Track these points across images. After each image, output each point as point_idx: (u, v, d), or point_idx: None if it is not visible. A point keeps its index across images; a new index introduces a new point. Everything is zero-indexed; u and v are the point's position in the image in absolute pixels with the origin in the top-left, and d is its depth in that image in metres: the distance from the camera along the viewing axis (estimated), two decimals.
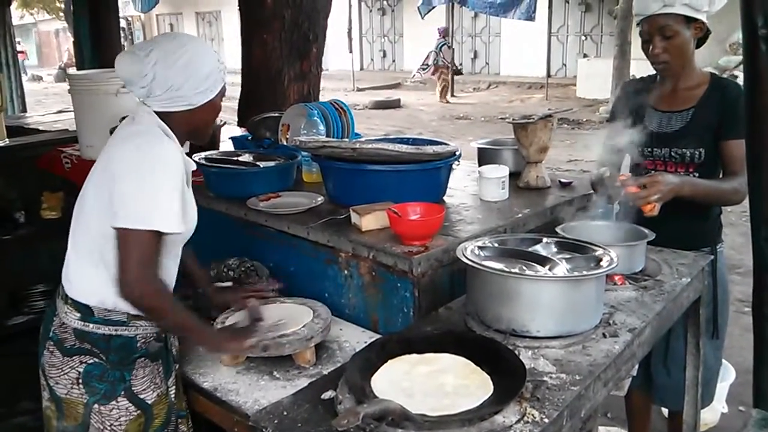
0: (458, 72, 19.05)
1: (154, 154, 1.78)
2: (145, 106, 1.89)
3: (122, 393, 1.87)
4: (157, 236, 1.75)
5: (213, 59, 1.90)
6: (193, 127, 1.94)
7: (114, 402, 1.86)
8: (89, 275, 1.86)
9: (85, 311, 1.85)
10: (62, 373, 1.87)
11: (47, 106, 15.66)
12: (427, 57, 17.55)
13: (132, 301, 1.77)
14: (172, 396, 1.98)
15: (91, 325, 1.85)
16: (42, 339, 1.93)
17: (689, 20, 2.33)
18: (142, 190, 1.73)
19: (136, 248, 1.73)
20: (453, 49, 18.14)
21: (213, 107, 1.94)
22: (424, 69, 17.73)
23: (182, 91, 1.85)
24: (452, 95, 18.06)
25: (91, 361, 1.85)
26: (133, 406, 1.88)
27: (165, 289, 1.86)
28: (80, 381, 1.85)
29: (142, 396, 1.90)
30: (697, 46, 2.45)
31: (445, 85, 17.60)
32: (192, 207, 1.95)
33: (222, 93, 1.96)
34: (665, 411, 2.99)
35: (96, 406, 1.86)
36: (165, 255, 1.89)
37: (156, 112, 1.88)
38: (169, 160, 1.79)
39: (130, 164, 1.76)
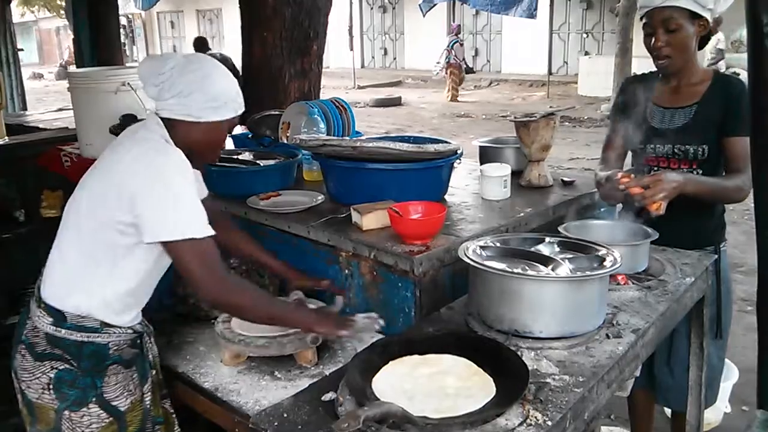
0: (470, 71, 18.74)
1: (166, 164, 1.78)
2: (155, 117, 1.90)
3: (93, 400, 1.85)
4: (203, 241, 1.76)
5: (230, 85, 1.92)
6: (194, 144, 1.90)
7: (85, 409, 1.84)
8: (71, 279, 1.84)
9: (58, 316, 1.83)
10: (33, 377, 1.85)
11: (48, 104, 15.63)
12: (441, 54, 17.21)
13: (216, 306, 1.85)
14: (148, 403, 1.96)
15: (63, 331, 1.83)
16: (15, 342, 1.92)
17: (694, 16, 2.31)
18: (165, 202, 1.74)
19: (191, 257, 1.75)
20: (464, 47, 17.75)
21: (217, 131, 1.93)
22: (438, 65, 17.37)
23: (190, 100, 1.85)
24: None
25: (62, 366, 1.83)
26: (104, 413, 1.86)
27: (240, 283, 1.90)
28: (51, 386, 1.83)
29: (114, 403, 1.88)
30: (700, 47, 2.43)
31: (455, 83, 17.04)
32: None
33: (231, 124, 1.96)
34: (668, 411, 2.97)
35: (67, 412, 1.84)
36: (166, 260, 1.88)
37: (163, 121, 1.88)
38: (180, 167, 1.80)
39: (145, 179, 1.75)
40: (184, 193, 1.76)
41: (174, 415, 2.07)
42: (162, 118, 1.89)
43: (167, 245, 1.75)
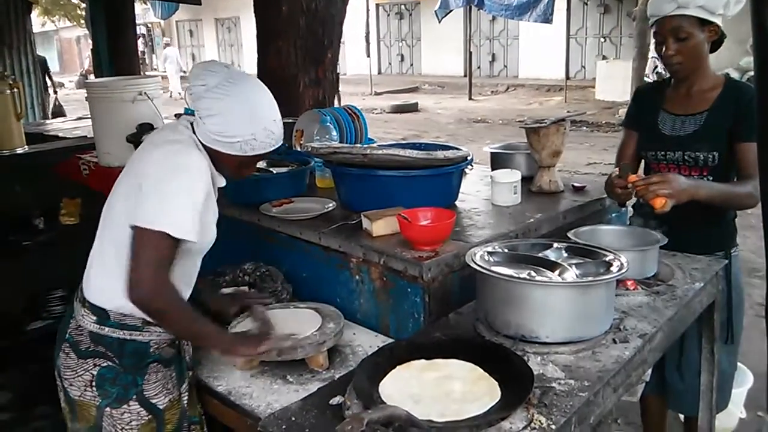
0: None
1: (181, 161, 1.81)
2: (185, 120, 1.93)
3: (134, 397, 1.89)
4: (171, 240, 1.75)
5: (252, 128, 1.87)
6: (212, 156, 1.91)
7: (126, 406, 1.88)
8: (111, 280, 1.86)
9: (102, 315, 1.88)
10: (76, 375, 1.89)
11: (69, 112, 15.79)
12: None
13: (139, 303, 1.77)
14: (185, 402, 2.00)
15: (106, 329, 1.87)
16: (58, 341, 1.96)
17: (703, 23, 2.32)
18: (160, 193, 1.76)
19: (148, 249, 1.74)
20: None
21: (228, 158, 1.92)
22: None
23: (205, 123, 1.86)
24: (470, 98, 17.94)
25: (105, 364, 1.87)
26: (144, 410, 1.90)
27: (175, 293, 1.83)
28: (93, 384, 1.88)
29: (153, 401, 1.92)
30: (713, 50, 2.43)
31: None
32: (212, 221, 1.96)
33: (249, 159, 1.94)
34: (682, 416, 2.96)
35: (108, 409, 1.88)
36: (183, 264, 1.90)
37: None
38: (194, 170, 1.81)
39: (156, 168, 1.80)
40: (184, 191, 1.77)
41: (204, 417, 2.10)
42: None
43: (136, 230, 1.75)
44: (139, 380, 1.90)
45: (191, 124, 1.94)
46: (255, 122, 1.87)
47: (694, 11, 2.29)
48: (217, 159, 1.92)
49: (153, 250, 1.75)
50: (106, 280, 1.89)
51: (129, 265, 1.77)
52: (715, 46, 2.43)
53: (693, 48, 2.35)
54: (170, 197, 1.76)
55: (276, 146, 1.96)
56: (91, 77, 12.19)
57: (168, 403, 1.94)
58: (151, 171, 1.80)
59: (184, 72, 20.37)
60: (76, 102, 19.20)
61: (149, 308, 1.80)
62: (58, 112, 11.79)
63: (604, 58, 18.44)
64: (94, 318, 1.88)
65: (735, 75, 11.98)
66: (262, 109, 1.90)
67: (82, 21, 19.36)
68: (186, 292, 1.99)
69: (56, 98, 13.15)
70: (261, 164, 3.06)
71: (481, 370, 1.58)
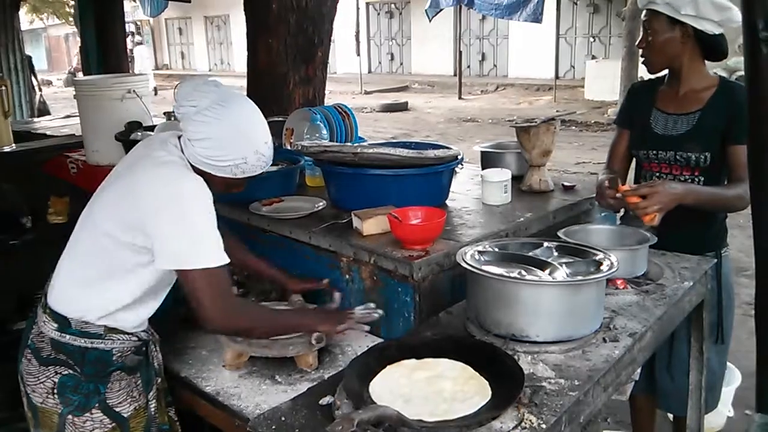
0: None
1: (187, 188, 1.77)
2: (175, 138, 1.90)
3: (96, 405, 1.87)
4: (215, 269, 1.75)
5: (243, 150, 1.84)
6: (206, 178, 1.87)
7: (88, 414, 1.87)
8: (76, 288, 1.86)
9: (63, 322, 1.85)
10: (38, 381, 1.87)
11: (56, 110, 15.62)
12: None
13: (222, 333, 1.89)
14: (152, 410, 1.98)
15: (67, 337, 1.85)
16: (21, 346, 1.94)
17: (673, 21, 2.34)
18: (183, 229, 1.74)
19: (202, 286, 1.75)
20: None
21: (217, 179, 1.89)
22: None
23: (194, 145, 1.83)
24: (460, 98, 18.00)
25: (66, 372, 1.85)
26: (107, 418, 1.88)
27: (243, 308, 1.92)
28: (55, 391, 1.86)
29: (117, 409, 1.90)
30: (708, 57, 2.43)
31: None
32: None
33: (237, 181, 1.92)
34: (671, 415, 2.97)
35: (70, 416, 1.86)
36: (169, 278, 1.90)
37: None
38: (199, 193, 1.79)
39: (163, 202, 1.75)
40: (200, 220, 1.76)
41: (178, 423, 2.09)
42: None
43: (181, 273, 1.77)
44: (102, 388, 1.87)
45: (179, 140, 1.90)
46: (247, 146, 1.85)
47: (662, 8, 2.34)
48: (205, 177, 1.87)
49: (206, 285, 1.75)
50: (71, 287, 1.87)
51: (195, 307, 1.77)
52: (715, 54, 2.43)
53: (660, 44, 2.39)
54: (192, 230, 1.74)
55: (266, 167, 1.95)
56: (80, 75, 12.14)
57: (133, 411, 1.92)
58: (155, 205, 1.75)
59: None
60: (64, 100, 19.09)
61: (233, 333, 1.90)
62: (43, 109, 11.75)
63: (593, 57, 18.50)
64: (55, 325, 1.86)
65: (723, 74, 12.01)
66: (255, 132, 1.87)
67: (71, 18, 19.25)
68: (158, 298, 1.97)
69: (41, 95, 13.09)
70: None
71: (472, 370, 1.58)
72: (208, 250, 1.75)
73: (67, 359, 1.85)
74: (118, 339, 1.89)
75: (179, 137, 1.90)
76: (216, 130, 1.81)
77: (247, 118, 1.87)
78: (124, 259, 1.82)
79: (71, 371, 1.85)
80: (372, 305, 2.07)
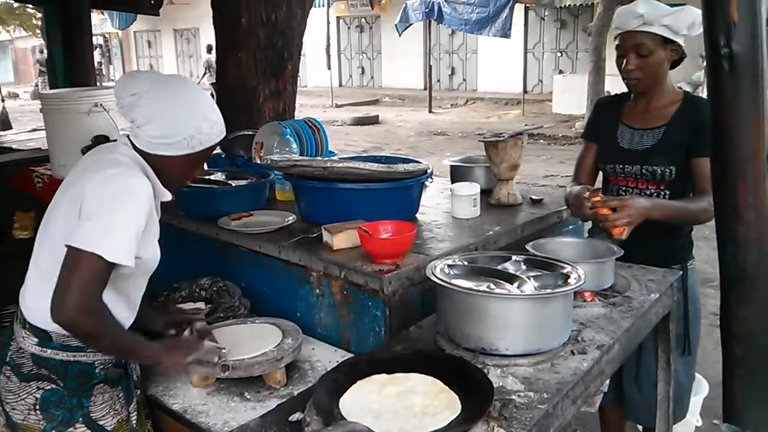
0: None
1: (121, 187, 1.75)
2: (125, 138, 1.89)
3: (80, 419, 1.84)
4: (104, 263, 1.68)
5: (194, 120, 1.85)
6: (157, 172, 1.88)
7: (72, 429, 1.84)
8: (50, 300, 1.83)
9: (43, 336, 1.83)
10: (19, 398, 1.84)
11: (23, 123, 15.46)
12: None
13: (64, 324, 1.70)
14: (134, 422, 1.95)
15: (49, 351, 1.82)
16: None
17: (666, 41, 2.36)
18: (99, 217, 1.70)
19: (80, 271, 1.67)
20: None
21: (176, 164, 1.88)
22: None
23: (142, 131, 1.83)
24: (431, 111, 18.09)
25: (49, 387, 1.83)
26: None
27: (102, 316, 1.74)
28: (37, 407, 1.82)
29: (101, 422, 1.87)
30: (672, 67, 2.47)
31: None
32: (154, 242, 1.90)
33: (199, 157, 1.91)
34: (640, 426, 3.00)
35: None
36: (125, 285, 1.87)
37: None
38: (134, 195, 1.76)
39: (97, 191, 1.74)
40: (122, 216, 1.72)
41: None
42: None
43: (69, 250, 1.69)
44: (85, 402, 1.85)
45: (129, 138, 1.89)
46: (195, 115, 1.86)
47: (658, 29, 2.33)
48: (163, 167, 1.87)
49: (84, 272, 1.67)
50: (43, 300, 1.82)
51: (57, 285, 1.68)
52: (675, 63, 2.47)
53: (653, 65, 2.39)
54: (110, 221, 1.70)
55: (222, 136, 1.94)
56: (46, 88, 11.98)
57: (116, 424, 1.90)
58: (91, 198, 1.73)
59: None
60: (31, 113, 18.84)
61: (75, 330, 1.73)
62: (6, 120, 11.59)
63: (560, 72, 18.72)
64: (36, 340, 1.83)
65: (687, 89, 12.25)
66: (198, 103, 1.89)
67: (38, 31, 19.05)
68: (130, 314, 1.94)
69: (3, 107, 12.93)
70: (219, 176, 3.03)
71: (442, 384, 1.57)
72: (112, 242, 1.68)
73: (49, 374, 1.83)
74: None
75: (128, 136, 1.90)
76: (161, 109, 1.82)
77: (187, 91, 1.89)
78: None
79: (54, 386, 1.83)
80: (201, 304, 2.12)
